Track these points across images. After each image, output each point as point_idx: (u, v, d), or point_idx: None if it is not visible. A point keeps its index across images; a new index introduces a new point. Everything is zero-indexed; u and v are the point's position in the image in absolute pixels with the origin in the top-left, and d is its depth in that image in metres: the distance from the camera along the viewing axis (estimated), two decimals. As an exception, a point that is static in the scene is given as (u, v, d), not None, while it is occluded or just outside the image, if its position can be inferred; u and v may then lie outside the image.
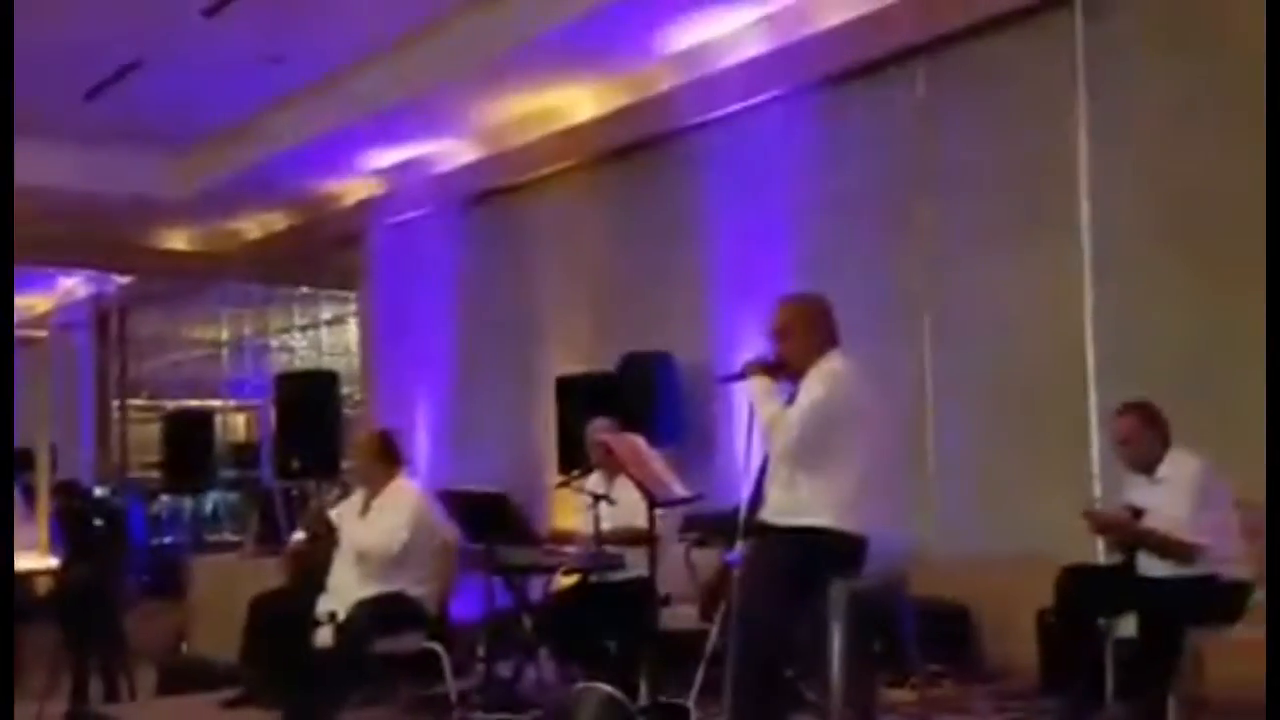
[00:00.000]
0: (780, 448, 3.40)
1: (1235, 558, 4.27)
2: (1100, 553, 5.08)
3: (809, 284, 6.37)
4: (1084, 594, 4.41)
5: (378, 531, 4.70)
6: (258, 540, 7.80)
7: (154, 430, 14.19)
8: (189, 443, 9.29)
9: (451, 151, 8.96)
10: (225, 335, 13.21)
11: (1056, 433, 5.64)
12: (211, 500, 11.63)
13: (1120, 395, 4.90)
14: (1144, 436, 4.43)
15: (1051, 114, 5.73)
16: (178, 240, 12.06)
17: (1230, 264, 5.02)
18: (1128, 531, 4.41)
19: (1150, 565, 4.37)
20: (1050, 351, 5.70)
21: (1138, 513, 4.41)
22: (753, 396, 3.49)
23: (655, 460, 3.71)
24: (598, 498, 4.39)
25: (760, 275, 6.86)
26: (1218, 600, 4.21)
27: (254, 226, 11.58)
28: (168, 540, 13.25)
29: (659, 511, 4.54)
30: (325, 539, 4.71)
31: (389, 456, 4.96)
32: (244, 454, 12.05)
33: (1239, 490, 4.37)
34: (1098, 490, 5.40)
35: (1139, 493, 4.47)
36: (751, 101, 6.97)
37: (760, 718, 3.13)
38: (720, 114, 7.13)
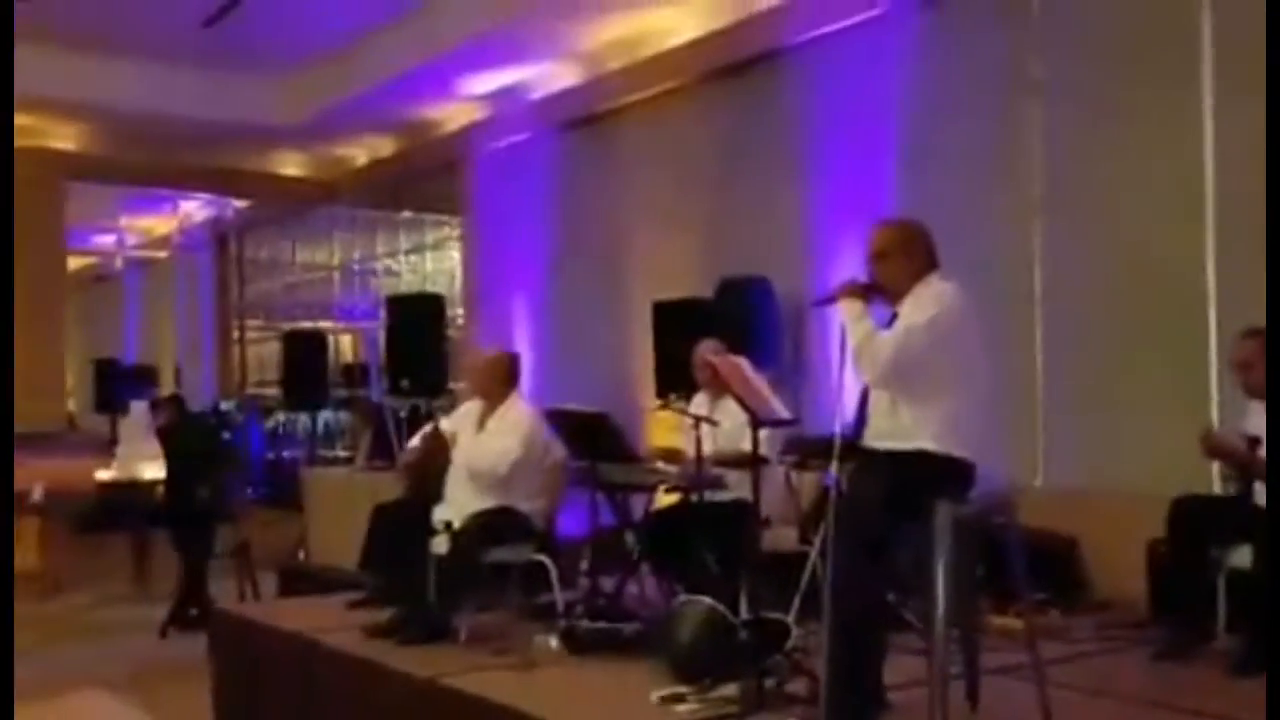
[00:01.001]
0: (872, 373, 3.36)
1: (1357, 489, 4.15)
2: (1215, 484, 4.99)
3: (910, 211, 6.37)
4: (1197, 523, 4.34)
5: (492, 452, 4.84)
6: (370, 455, 8.06)
7: (269, 349, 14.73)
8: (306, 362, 9.59)
9: (551, 76, 8.97)
10: (336, 259, 13.53)
11: (1173, 359, 5.49)
12: (324, 418, 12.01)
13: (1242, 319, 4.77)
14: (1265, 362, 4.31)
15: (1174, 35, 5.49)
16: (290, 165, 12.35)
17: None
18: (1240, 458, 4.32)
19: (1266, 495, 4.26)
20: (1169, 273, 5.53)
21: (1254, 441, 4.31)
22: (844, 319, 3.43)
23: (759, 381, 3.72)
24: (699, 419, 4.43)
25: (860, 201, 6.77)
26: (1337, 532, 4.10)
27: (361, 152, 11.78)
28: (285, 454, 13.81)
29: (761, 433, 4.62)
30: (440, 452, 4.85)
31: (510, 377, 5.10)
32: (352, 374, 12.39)
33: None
34: (1215, 420, 5.26)
35: (1256, 420, 4.36)
36: (858, 19, 6.82)
37: (861, 638, 3.14)
38: (825, 31, 6.99)
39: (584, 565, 5.97)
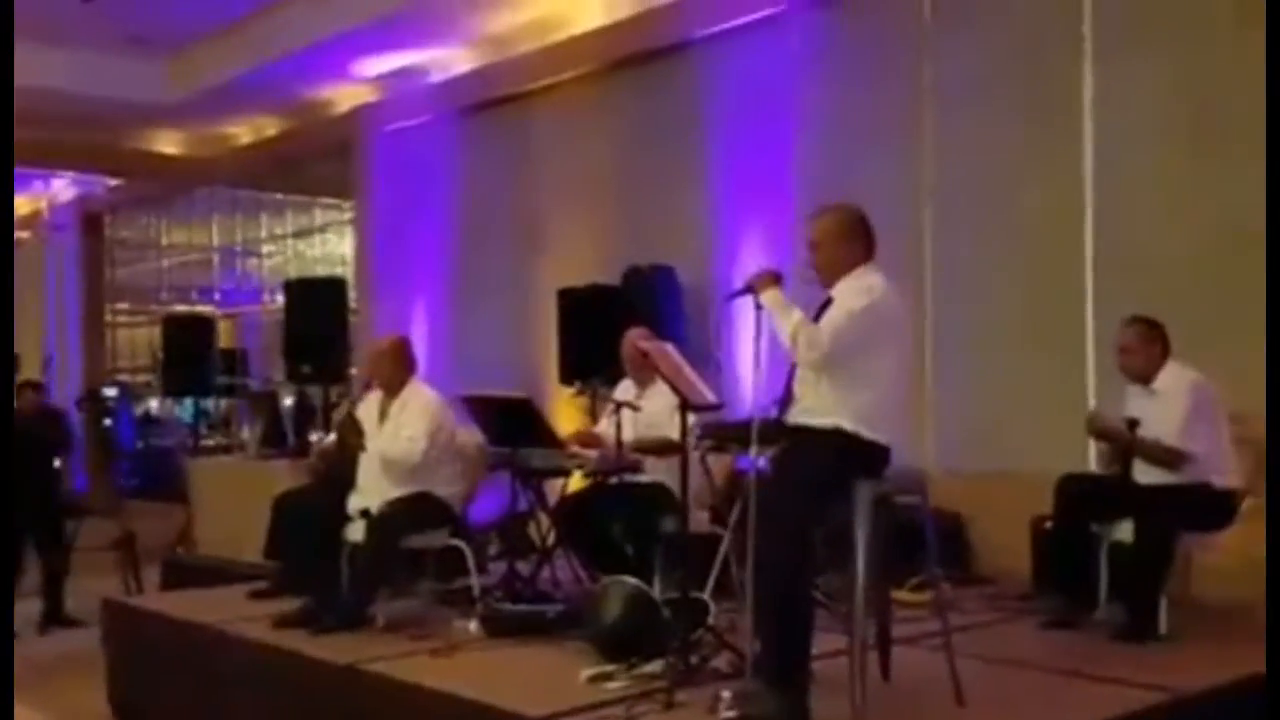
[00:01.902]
0: (810, 358, 3.50)
1: (1226, 467, 4.51)
2: (1091, 464, 5.32)
3: (809, 203, 6.58)
4: (1083, 499, 4.63)
5: (400, 441, 4.82)
6: (262, 443, 7.94)
7: (140, 335, 14.25)
8: (189, 347, 9.34)
9: (451, 59, 8.91)
10: (215, 240, 13.16)
11: (1053, 347, 5.81)
12: (198, 405, 11.69)
13: (1117, 310, 5.09)
14: (1145, 348, 4.63)
15: (1059, 32, 5.80)
16: (167, 144, 11.96)
17: (1234, 178, 5.18)
18: (1121, 438, 4.62)
19: (1145, 473, 4.59)
20: (1050, 266, 5.85)
21: (1133, 424, 4.62)
22: (769, 309, 3.55)
23: (688, 367, 3.84)
24: (623, 404, 4.54)
25: (763, 190, 6.96)
26: (1209, 507, 4.45)
27: (245, 131, 11.49)
28: (158, 443, 13.40)
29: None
30: (355, 441, 4.83)
31: (407, 362, 5.07)
32: (233, 360, 12.12)
33: (1229, 403, 4.60)
34: (1091, 404, 5.58)
35: (1136, 403, 4.68)
36: (759, 14, 6.99)
37: (792, 612, 3.28)
38: (728, 26, 7.14)
39: (492, 550, 6.06)
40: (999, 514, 5.64)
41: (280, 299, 11.32)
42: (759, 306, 3.60)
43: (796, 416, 3.57)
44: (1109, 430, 4.69)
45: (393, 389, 4.98)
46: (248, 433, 10.00)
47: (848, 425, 3.47)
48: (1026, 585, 5.24)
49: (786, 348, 3.55)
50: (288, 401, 8.63)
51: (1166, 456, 4.47)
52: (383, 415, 4.98)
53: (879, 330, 3.53)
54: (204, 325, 9.89)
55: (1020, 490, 5.31)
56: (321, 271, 11.50)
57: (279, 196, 12.38)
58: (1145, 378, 4.64)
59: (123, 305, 14.65)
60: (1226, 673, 3.81)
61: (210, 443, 11.58)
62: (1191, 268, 5.31)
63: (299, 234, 12.38)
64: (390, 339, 5.22)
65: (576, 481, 5.52)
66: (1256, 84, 4.91)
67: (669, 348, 3.91)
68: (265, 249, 12.88)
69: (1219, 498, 4.47)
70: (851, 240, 3.68)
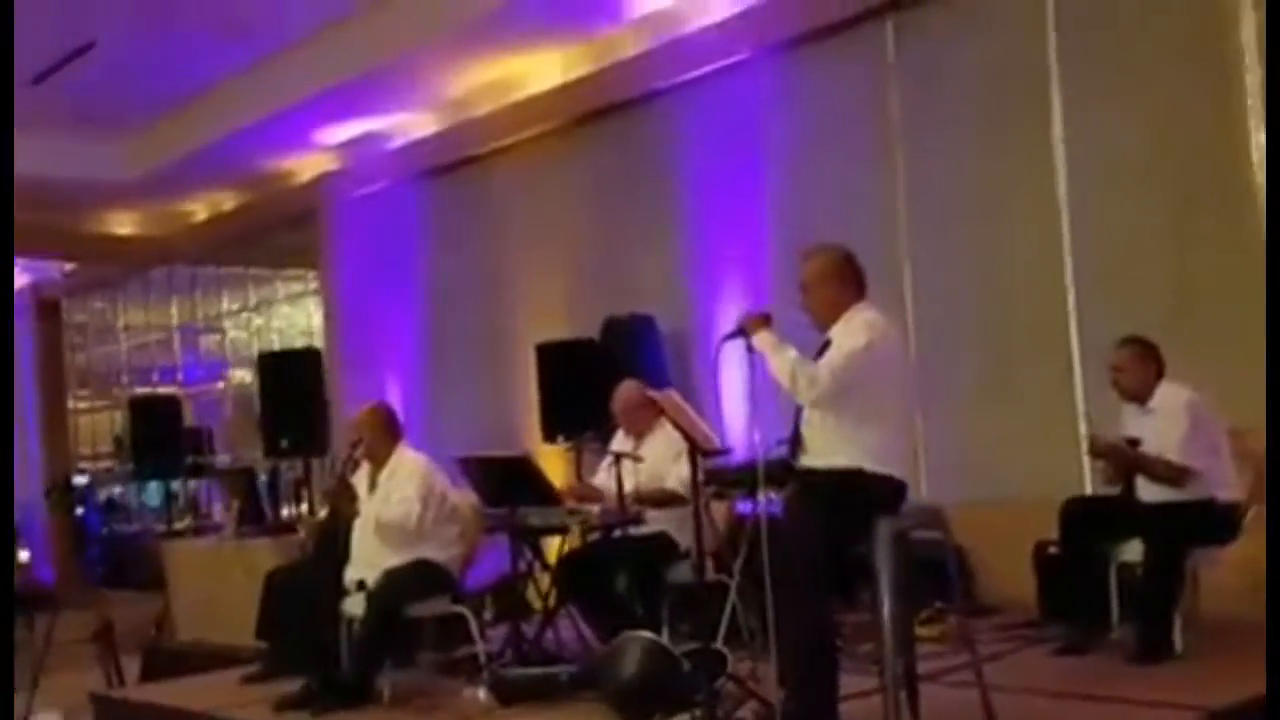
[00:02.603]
0: (811, 396, 3.48)
1: (1229, 480, 4.52)
2: (1087, 486, 5.32)
3: (785, 244, 6.61)
4: (1089, 522, 4.61)
5: (392, 505, 4.72)
6: (240, 521, 7.74)
7: (103, 420, 13.98)
8: (156, 428, 9.15)
9: (412, 123, 8.90)
10: (175, 320, 12.98)
11: (1041, 373, 5.83)
12: (163, 487, 11.45)
13: (1100, 330, 5.13)
14: (1140, 367, 4.65)
15: (1024, 69, 5.88)
16: (123, 225, 11.83)
17: (1203, 200, 5.26)
18: (1126, 457, 4.62)
19: (1148, 492, 4.59)
20: (1032, 294, 5.88)
21: (1134, 442, 4.62)
22: (763, 351, 3.55)
23: (695, 414, 3.80)
24: (621, 456, 4.48)
25: (738, 233, 6.97)
26: (1216, 521, 4.45)
27: (202, 207, 11.40)
28: (122, 529, 13.10)
29: (680, 468, 4.69)
30: (349, 508, 4.72)
31: (392, 429, 4.98)
32: (200, 439, 11.90)
33: (1224, 419, 4.62)
34: (1083, 426, 5.60)
35: (1132, 423, 4.69)
36: (721, 64, 7.03)
37: (818, 656, 3.22)
38: (690, 77, 7.19)
39: (487, 615, 5.93)
40: (997, 542, 5.62)
41: (243, 374, 11.16)
42: (750, 350, 3.59)
43: (806, 460, 3.53)
44: (1113, 450, 4.67)
45: (379, 457, 4.89)
46: (220, 512, 9.79)
47: (858, 463, 3.44)
48: (1032, 613, 5.19)
49: (785, 388, 3.53)
50: (262, 478, 8.47)
51: (1171, 473, 4.47)
52: (372, 485, 4.88)
53: (880, 366, 3.53)
54: (170, 405, 9.70)
55: (1017, 517, 5.29)
56: (286, 344, 11.37)
57: (240, 270, 12.24)
58: (1141, 397, 4.66)
59: (84, 391, 14.39)
60: (1251, 688, 3.77)
61: (181, 525, 11.32)
62: (1171, 290, 5.36)
63: (261, 307, 12.24)
64: (373, 407, 5.13)
65: (572, 539, 5.44)
66: (1210, 123, 5.09)
67: (676, 396, 3.87)
68: (227, 324, 12.71)
69: (1224, 511, 4.47)
70: (842, 280, 3.70)
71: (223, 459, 11.50)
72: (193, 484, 11.98)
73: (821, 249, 3.79)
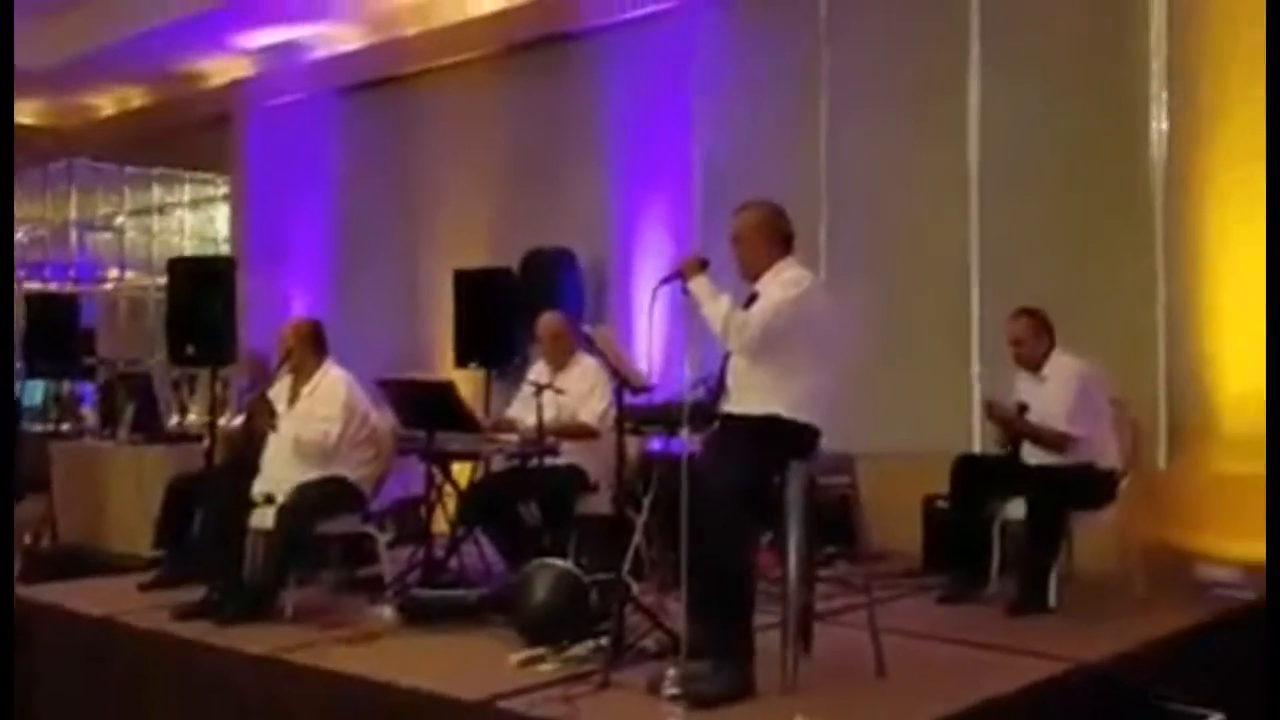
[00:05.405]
0: (739, 343, 3.61)
1: (1108, 449, 4.82)
2: (978, 448, 5.60)
3: (708, 190, 6.72)
4: (977, 479, 4.88)
5: (313, 423, 4.73)
6: (134, 428, 7.60)
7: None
8: (53, 326, 8.86)
9: (336, 35, 8.72)
10: (74, 215, 12.53)
11: (941, 334, 6.07)
12: (49, 387, 11.10)
13: (1002, 298, 5.37)
14: (1034, 338, 4.90)
15: (947, 45, 6.04)
16: (24, 114, 11.33)
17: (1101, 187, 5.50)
18: (1015, 423, 4.89)
19: (1033, 455, 4.87)
20: (938, 256, 6.11)
21: (1023, 408, 4.90)
22: (697, 296, 3.65)
23: (625, 351, 3.90)
24: (543, 387, 4.56)
25: (663, 175, 7.05)
26: (1094, 486, 4.75)
27: (108, 102, 10.99)
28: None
29: (596, 402, 4.82)
30: (267, 423, 4.72)
31: (319, 345, 4.97)
32: (91, 339, 11.55)
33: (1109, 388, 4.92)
34: (977, 393, 5.87)
35: (1025, 388, 4.95)
36: (656, 8, 7.08)
37: (736, 589, 3.37)
38: (625, 18, 7.22)
39: (387, 537, 5.98)
40: (888, 493, 5.87)
41: (138, 276, 10.79)
42: (686, 292, 3.69)
43: (730, 405, 3.67)
44: (1006, 416, 4.93)
45: (304, 372, 4.88)
46: (91, 415, 9.54)
47: (779, 410, 3.59)
48: (916, 562, 5.48)
49: (716, 333, 3.65)
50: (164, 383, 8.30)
51: (1055, 439, 4.75)
52: (293, 398, 4.87)
53: (806, 320, 3.67)
54: (68, 304, 9.39)
55: (909, 471, 5.55)
56: (185, 249, 11.07)
57: (144, 170, 11.85)
58: (1034, 366, 4.91)
59: (-32, 281, 13.79)
60: (1117, 643, 4.07)
61: (65, 427, 11.02)
62: (1068, 263, 5.62)
63: (165, 210, 11.89)
64: (302, 321, 5.12)
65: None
66: (1108, 107, 5.34)
67: (608, 332, 3.97)
68: (127, 224, 12.32)
69: (1102, 477, 4.77)
70: (772, 235, 3.81)
71: (117, 363, 11.19)
72: (68, 385, 11.64)
73: (755, 203, 3.89)
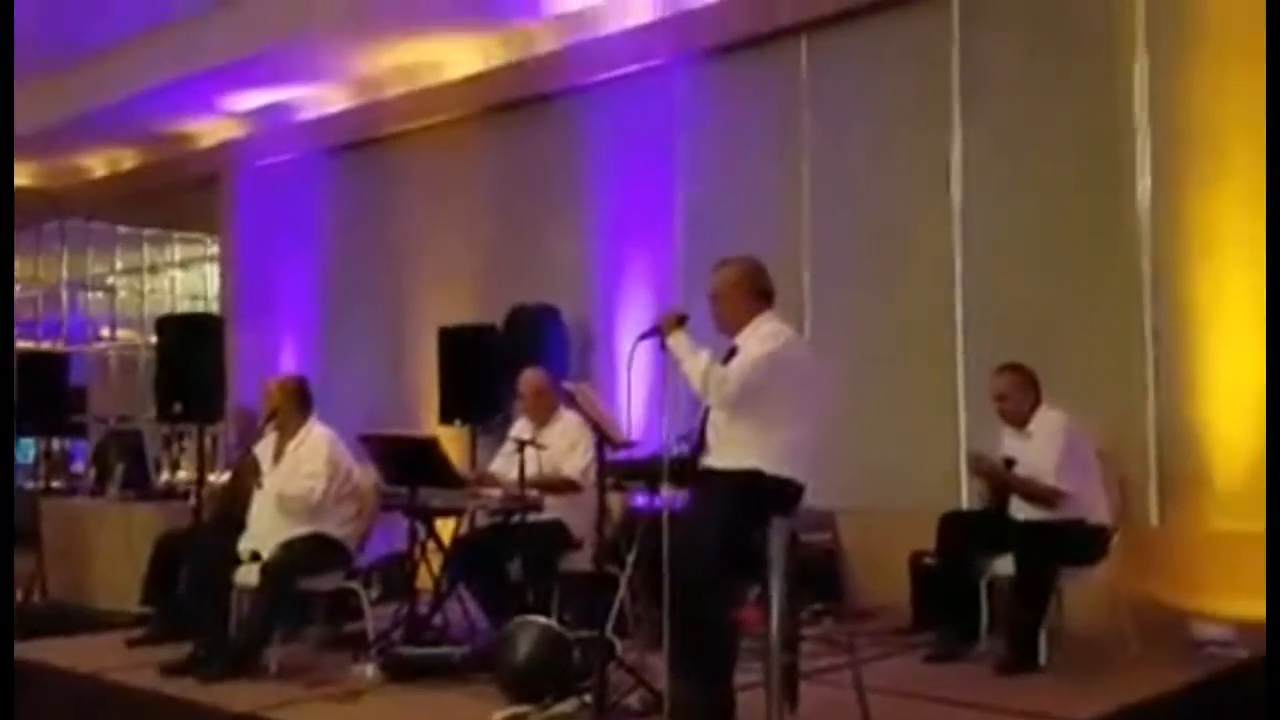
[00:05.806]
0: (718, 398, 3.62)
1: (1097, 504, 4.79)
2: (964, 504, 5.57)
3: (691, 246, 6.77)
4: (964, 536, 4.84)
5: (298, 479, 4.74)
6: (124, 484, 7.57)
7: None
8: (41, 384, 8.85)
9: (322, 98, 8.82)
10: (65, 275, 12.58)
11: (924, 392, 6.06)
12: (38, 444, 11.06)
13: (985, 353, 5.38)
14: (1019, 393, 4.90)
15: (929, 96, 6.12)
16: (18, 176, 11.39)
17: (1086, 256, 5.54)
18: (1003, 478, 4.87)
19: (1021, 511, 4.84)
20: (924, 320, 6.12)
21: (1010, 463, 4.88)
22: (676, 351, 3.66)
23: (605, 408, 3.90)
24: (525, 444, 4.56)
25: (645, 232, 7.11)
26: (1084, 542, 4.71)
27: (100, 164, 11.08)
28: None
29: (578, 458, 4.80)
30: (253, 480, 4.71)
31: (304, 402, 4.99)
32: (82, 398, 11.54)
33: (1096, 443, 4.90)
34: (964, 449, 5.84)
35: (1012, 444, 4.94)
36: (637, 67, 7.16)
37: (716, 646, 3.34)
38: (606, 77, 7.30)
39: (373, 594, 5.94)
40: (875, 550, 5.83)
41: (130, 335, 10.79)
42: (664, 348, 3.70)
43: (710, 460, 3.66)
44: (992, 470, 4.91)
45: (289, 429, 4.90)
46: (90, 473, 9.49)
47: (759, 464, 3.59)
48: (905, 619, 5.41)
49: (696, 389, 3.66)
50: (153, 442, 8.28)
51: (1043, 493, 4.73)
52: (278, 455, 4.88)
53: (785, 375, 3.68)
54: (57, 363, 9.40)
55: (895, 527, 5.51)
56: (178, 308, 11.10)
57: (135, 231, 11.92)
58: (1020, 421, 4.91)
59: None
60: (1109, 702, 4.02)
61: (56, 484, 10.97)
62: (1056, 316, 5.64)
63: (154, 269, 11.94)
64: (288, 378, 5.15)
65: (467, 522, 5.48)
66: (1094, 159, 5.42)
67: (589, 389, 3.97)
68: (117, 283, 12.37)
69: (1092, 533, 4.74)
70: (752, 291, 3.84)
71: (107, 421, 11.17)
72: (59, 444, 11.60)
73: (734, 260, 3.92)
